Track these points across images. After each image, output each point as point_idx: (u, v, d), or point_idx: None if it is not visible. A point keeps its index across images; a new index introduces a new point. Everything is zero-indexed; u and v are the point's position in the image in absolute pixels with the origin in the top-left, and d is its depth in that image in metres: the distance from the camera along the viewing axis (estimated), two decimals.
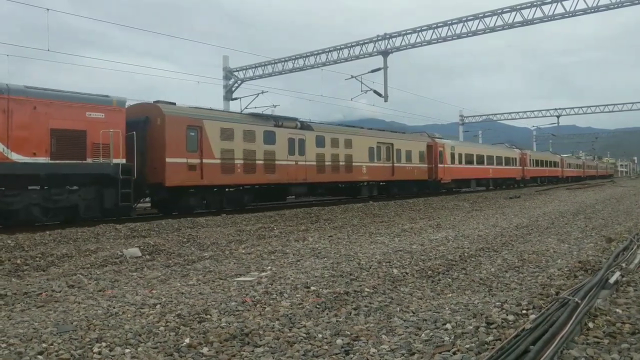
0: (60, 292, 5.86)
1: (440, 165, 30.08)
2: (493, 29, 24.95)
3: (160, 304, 5.16)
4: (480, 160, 36.22)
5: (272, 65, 31.87)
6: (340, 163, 22.27)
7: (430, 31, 26.55)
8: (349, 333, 4.17)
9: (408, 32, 27.08)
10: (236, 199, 18.41)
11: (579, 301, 4.08)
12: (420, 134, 30.89)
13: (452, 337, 3.89)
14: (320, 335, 4.13)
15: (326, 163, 21.47)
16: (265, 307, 4.99)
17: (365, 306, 5.03)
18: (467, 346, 3.64)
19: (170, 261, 7.92)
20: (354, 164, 23.01)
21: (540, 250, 8.37)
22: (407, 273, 6.58)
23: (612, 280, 5.05)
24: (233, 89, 32.88)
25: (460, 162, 32.75)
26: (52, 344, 3.95)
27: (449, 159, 31.18)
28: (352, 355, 3.70)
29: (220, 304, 5.09)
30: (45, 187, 12.99)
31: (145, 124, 15.63)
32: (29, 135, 12.39)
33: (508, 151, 42.76)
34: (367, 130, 25.55)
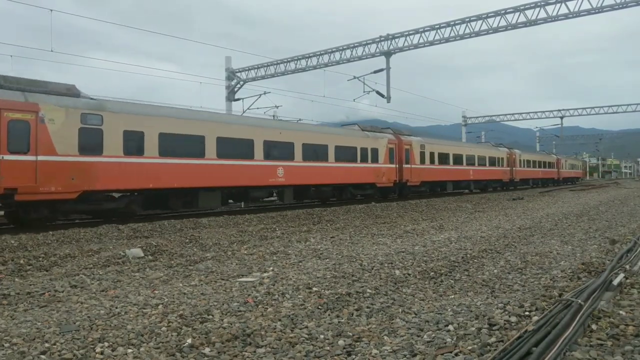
0: (63, 292, 5.88)
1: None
2: (496, 30, 24.89)
3: (162, 304, 5.17)
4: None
5: (275, 66, 31.87)
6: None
7: (433, 32, 26.52)
8: (351, 334, 4.16)
9: (411, 32, 27.06)
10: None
11: (582, 303, 4.07)
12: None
13: (455, 339, 3.88)
14: (322, 336, 4.13)
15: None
16: (267, 308, 4.99)
17: (367, 307, 5.03)
18: (470, 347, 3.63)
19: (173, 262, 7.93)
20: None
21: (543, 252, 8.34)
22: (409, 274, 6.57)
23: (615, 282, 5.03)
24: (235, 89, 32.92)
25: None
26: (54, 344, 3.96)
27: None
28: (354, 356, 3.69)
29: (223, 304, 5.10)
30: None
31: None
32: None
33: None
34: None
